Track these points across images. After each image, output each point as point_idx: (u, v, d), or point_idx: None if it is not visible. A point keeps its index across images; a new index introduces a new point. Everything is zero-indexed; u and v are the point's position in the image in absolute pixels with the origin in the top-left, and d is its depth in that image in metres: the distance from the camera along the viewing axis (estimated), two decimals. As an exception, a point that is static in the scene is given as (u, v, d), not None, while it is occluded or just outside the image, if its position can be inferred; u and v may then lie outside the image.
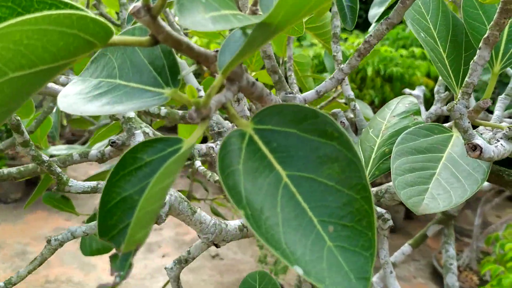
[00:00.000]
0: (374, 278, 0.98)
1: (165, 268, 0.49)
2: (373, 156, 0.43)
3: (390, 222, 0.55)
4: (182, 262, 0.49)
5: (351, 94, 0.67)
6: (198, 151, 0.65)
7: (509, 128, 0.38)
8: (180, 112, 0.71)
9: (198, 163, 0.57)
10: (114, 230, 0.20)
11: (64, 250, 3.34)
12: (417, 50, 2.88)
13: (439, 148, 0.41)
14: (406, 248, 0.98)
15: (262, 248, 2.37)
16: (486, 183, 0.95)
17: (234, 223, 0.48)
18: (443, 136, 0.42)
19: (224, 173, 0.22)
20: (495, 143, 0.38)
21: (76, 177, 4.92)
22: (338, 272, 0.21)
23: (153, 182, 0.19)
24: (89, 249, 0.99)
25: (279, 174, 0.23)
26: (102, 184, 0.43)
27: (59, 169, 0.42)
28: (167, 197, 0.43)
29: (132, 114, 0.48)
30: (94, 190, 0.44)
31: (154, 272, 3.16)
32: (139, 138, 0.46)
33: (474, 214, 3.40)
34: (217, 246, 0.48)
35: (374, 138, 0.44)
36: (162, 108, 0.70)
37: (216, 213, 1.34)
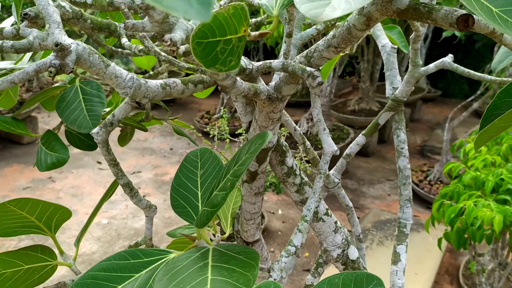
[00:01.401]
0: (332, 171, 1.01)
1: (91, 133, 0.48)
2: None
3: (320, 79, 0.55)
4: (108, 126, 0.48)
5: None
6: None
7: None
8: (107, -2, 0.68)
9: (124, 39, 0.55)
10: None
11: (43, 199, 3.35)
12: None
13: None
14: (360, 138, 0.99)
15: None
16: (431, 65, 0.96)
17: (155, 81, 0.48)
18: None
19: None
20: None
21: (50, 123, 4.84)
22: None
23: None
24: (44, 165, 0.98)
25: None
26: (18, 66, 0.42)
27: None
28: (73, 46, 0.41)
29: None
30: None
31: (135, 212, 3.21)
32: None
33: (445, 132, 3.48)
34: (139, 104, 0.48)
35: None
36: (88, -5, 0.66)
37: (179, 133, 1.33)
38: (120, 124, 1.27)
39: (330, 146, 0.57)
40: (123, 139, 1.34)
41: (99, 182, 3.68)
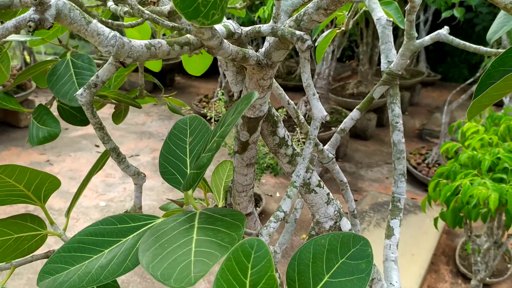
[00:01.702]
0: (326, 146, 1.00)
1: (75, 95, 0.47)
2: None
3: (309, 42, 0.54)
4: (92, 87, 0.48)
5: None
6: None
7: None
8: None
9: (110, 3, 0.54)
10: None
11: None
12: None
13: None
14: (354, 113, 0.98)
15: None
16: (427, 38, 0.95)
17: (140, 41, 0.47)
18: None
19: None
20: None
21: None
22: None
23: None
24: (36, 139, 0.98)
25: None
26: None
27: None
28: (53, 0, 0.40)
29: None
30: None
31: (133, 194, 3.22)
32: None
33: (443, 115, 3.46)
34: (124, 65, 0.47)
35: None
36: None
37: (174, 110, 1.32)
38: (114, 101, 1.27)
39: (319, 111, 0.56)
40: (117, 117, 1.33)
41: (97, 165, 3.67)
